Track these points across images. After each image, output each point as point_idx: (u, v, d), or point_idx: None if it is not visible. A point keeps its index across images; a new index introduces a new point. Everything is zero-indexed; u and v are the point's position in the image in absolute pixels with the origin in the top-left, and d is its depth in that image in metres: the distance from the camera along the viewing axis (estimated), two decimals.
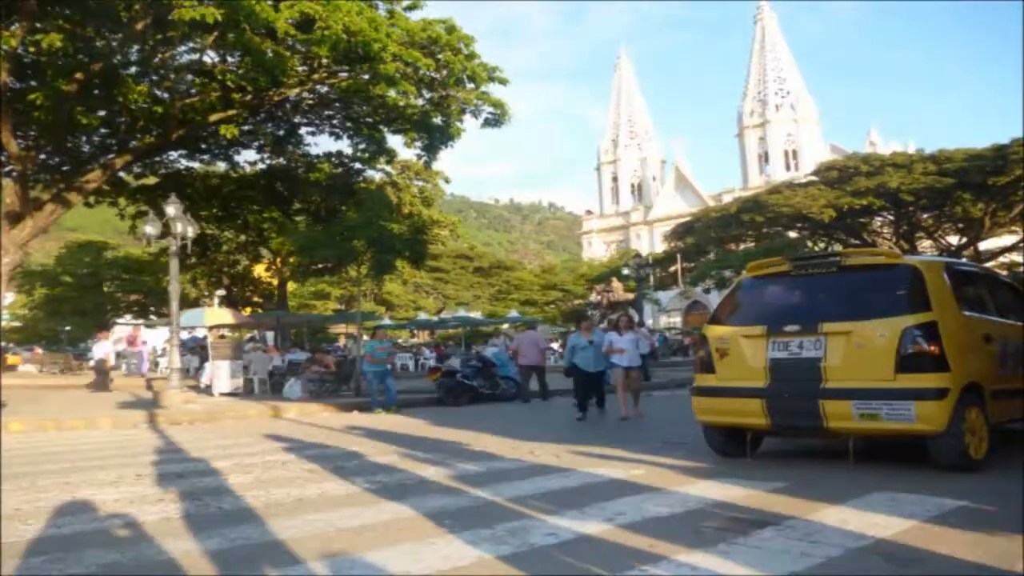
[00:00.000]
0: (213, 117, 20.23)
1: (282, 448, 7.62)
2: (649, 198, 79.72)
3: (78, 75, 17.17)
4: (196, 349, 25.35)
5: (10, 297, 41.95)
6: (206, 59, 19.05)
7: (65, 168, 22.18)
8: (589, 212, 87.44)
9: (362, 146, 24.29)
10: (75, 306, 39.69)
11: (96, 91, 18.67)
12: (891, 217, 42.19)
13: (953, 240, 43.37)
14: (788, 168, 67.67)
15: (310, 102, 21.93)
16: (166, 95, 19.77)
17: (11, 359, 30.65)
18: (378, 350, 13.65)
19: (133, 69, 19.60)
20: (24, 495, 5.06)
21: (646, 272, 31.26)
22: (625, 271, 32.96)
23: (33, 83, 18.60)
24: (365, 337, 16.51)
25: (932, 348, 5.04)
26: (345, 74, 19.08)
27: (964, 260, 9.05)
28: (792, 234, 43.21)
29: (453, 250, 54.62)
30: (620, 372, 10.55)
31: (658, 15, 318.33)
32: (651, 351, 18.28)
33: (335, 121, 22.99)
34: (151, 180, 25.81)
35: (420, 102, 20.37)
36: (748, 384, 5.68)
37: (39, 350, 31.95)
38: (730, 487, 4.70)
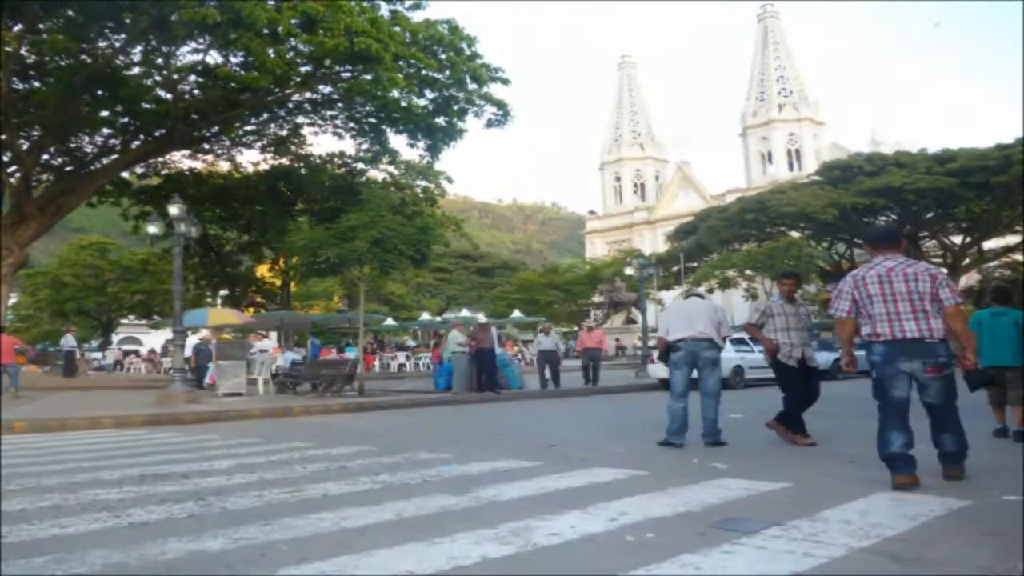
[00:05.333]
0: (216, 117, 20.28)
1: (286, 448, 7.63)
2: (652, 198, 79.67)
3: (81, 75, 17.23)
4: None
5: (14, 297, 42.04)
6: (209, 59, 19.09)
7: (69, 168, 22.24)
8: (592, 212, 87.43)
9: (365, 146, 24.31)
10: (78, 306, 39.86)
11: (99, 91, 18.73)
12: (895, 217, 42.11)
13: (957, 240, 43.30)
14: (791, 168, 67.62)
15: (313, 102, 21.96)
16: (169, 95, 19.81)
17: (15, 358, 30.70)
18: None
19: (136, 69, 19.66)
20: (28, 495, 5.07)
21: (649, 272, 31.20)
22: (628, 271, 32.94)
23: (37, 84, 18.66)
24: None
25: None
26: (348, 74, 19.11)
27: None
28: (795, 234, 43.16)
29: (456, 250, 54.59)
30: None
31: (662, 14, 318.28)
32: None
33: (338, 121, 23.04)
34: (154, 180, 25.88)
35: (423, 102, 20.40)
36: None
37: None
38: (733, 487, 4.70)
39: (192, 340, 20.31)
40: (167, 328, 26.17)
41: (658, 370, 18.33)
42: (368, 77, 17.89)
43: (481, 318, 20.25)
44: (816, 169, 49.80)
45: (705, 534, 3.48)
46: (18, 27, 16.80)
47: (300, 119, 23.28)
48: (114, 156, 21.79)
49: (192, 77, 19.85)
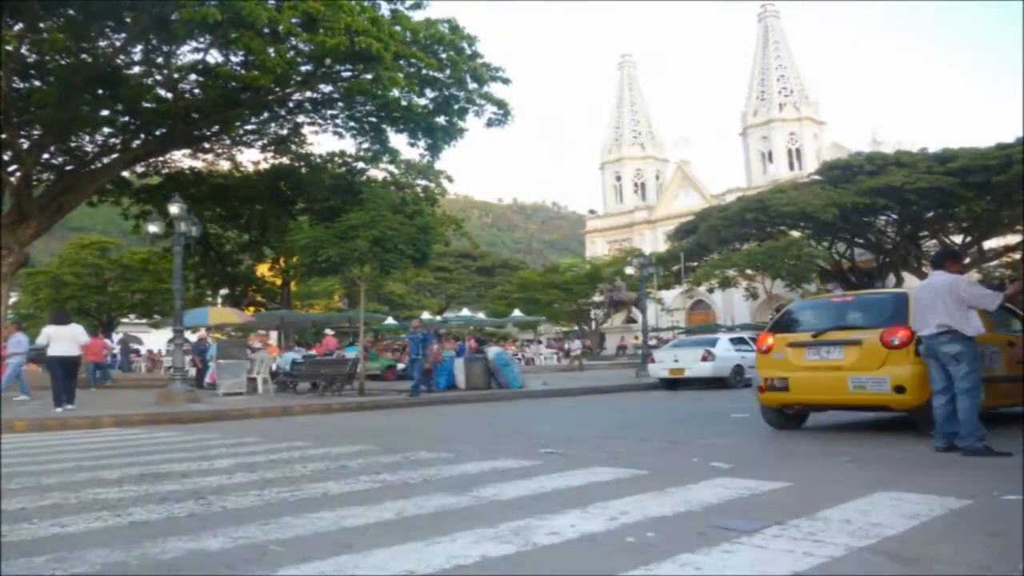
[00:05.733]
0: (216, 116, 20.26)
1: (286, 447, 7.64)
2: (652, 197, 79.65)
3: (82, 74, 17.23)
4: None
5: (14, 296, 42.07)
6: (209, 58, 19.08)
7: (69, 167, 22.24)
8: (592, 211, 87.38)
9: (365, 145, 24.30)
10: (79, 305, 39.84)
11: (100, 90, 18.73)
12: (895, 216, 42.09)
13: (957, 239, 43.27)
14: (792, 167, 67.55)
15: (313, 101, 21.95)
16: (169, 94, 19.80)
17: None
18: None
19: (137, 69, 19.65)
20: (28, 494, 5.07)
21: (649, 272, 31.19)
22: (629, 270, 32.95)
23: (37, 83, 18.66)
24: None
25: None
26: (348, 74, 19.10)
27: None
28: (795, 234, 43.12)
29: (456, 250, 54.57)
30: None
31: (662, 14, 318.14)
32: None
33: (338, 120, 23.02)
34: (154, 180, 25.87)
35: (423, 101, 20.40)
36: None
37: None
38: (733, 487, 4.70)
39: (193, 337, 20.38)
40: (167, 327, 26.15)
41: (658, 370, 18.34)
42: (368, 76, 17.87)
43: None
44: (816, 169, 49.75)
45: (705, 533, 3.48)
46: (18, 26, 16.79)
47: (300, 118, 23.26)
48: (114, 155, 21.77)
49: (192, 76, 19.83)
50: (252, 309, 29.39)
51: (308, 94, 21.26)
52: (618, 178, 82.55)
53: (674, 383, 17.89)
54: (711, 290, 49.30)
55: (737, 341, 19.15)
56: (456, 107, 20.83)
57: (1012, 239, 42.66)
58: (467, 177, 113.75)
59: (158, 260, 35.58)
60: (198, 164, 26.44)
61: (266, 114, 22.31)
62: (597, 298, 47.66)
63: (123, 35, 18.04)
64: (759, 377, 8.03)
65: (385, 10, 18.88)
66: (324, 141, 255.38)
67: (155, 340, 48.51)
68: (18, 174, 19.57)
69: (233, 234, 29.91)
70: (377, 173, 26.46)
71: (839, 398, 7.26)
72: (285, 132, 24.06)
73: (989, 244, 44.18)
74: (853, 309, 7.86)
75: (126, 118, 20.53)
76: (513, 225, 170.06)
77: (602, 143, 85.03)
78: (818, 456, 6.22)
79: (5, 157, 19.14)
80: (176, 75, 19.45)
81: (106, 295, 41.00)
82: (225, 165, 26.97)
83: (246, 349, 18.98)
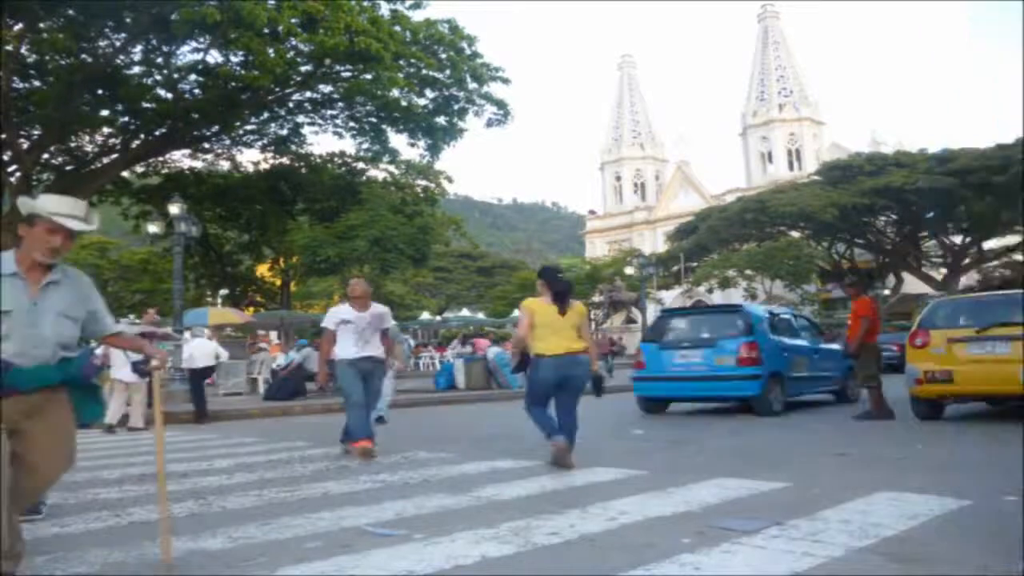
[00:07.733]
0: (216, 117, 20.26)
1: (285, 447, 7.64)
2: (652, 198, 79.63)
3: (82, 74, 17.23)
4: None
5: None
6: (209, 59, 19.09)
7: (69, 167, 22.24)
8: (592, 212, 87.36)
9: (365, 146, 24.32)
10: None
11: (100, 90, 18.74)
12: (895, 216, 42.06)
13: (957, 240, 43.26)
14: (791, 168, 67.53)
15: (313, 101, 21.95)
16: (169, 95, 19.81)
17: None
18: None
19: (136, 69, 19.66)
20: None
21: (649, 272, 31.19)
22: (629, 271, 32.95)
23: (37, 83, 18.67)
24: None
25: None
26: (348, 74, 19.11)
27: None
28: (795, 234, 43.10)
29: (456, 250, 54.51)
30: None
31: (663, 14, 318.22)
32: None
33: (338, 121, 23.02)
34: (154, 180, 25.87)
35: (423, 102, 20.41)
36: None
37: None
38: (733, 487, 4.70)
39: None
40: (167, 327, 26.13)
41: None
42: (368, 76, 17.89)
43: None
44: (816, 169, 49.71)
45: (704, 534, 3.48)
46: (18, 26, 16.80)
47: (300, 118, 23.26)
48: (114, 155, 21.78)
49: (192, 76, 19.83)
50: (252, 309, 29.38)
51: (308, 94, 21.27)
52: (618, 178, 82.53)
53: None
54: (711, 290, 49.24)
55: None
56: (456, 107, 20.84)
57: (1012, 239, 42.60)
58: (467, 177, 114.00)
59: (158, 260, 35.57)
60: (198, 164, 26.45)
61: (266, 114, 22.31)
62: (597, 298, 47.57)
63: (123, 35, 18.06)
64: (915, 370, 8.24)
65: (385, 10, 18.89)
66: (324, 141, 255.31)
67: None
68: (18, 174, 19.57)
69: (233, 234, 29.90)
70: (377, 173, 26.48)
71: (1007, 388, 7.68)
72: (285, 132, 24.06)
73: (989, 244, 44.15)
74: (1006, 306, 8.21)
75: (126, 118, 20.53)
76: (513, 225, 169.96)
77: (602, 143, 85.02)
78: (818, 456, 6.22)
79: (5, 157, 19.14)
80: (176, 75, 19.45)
81: (106, 295, 40.80)
82: (225, 165, 26.98)
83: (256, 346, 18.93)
